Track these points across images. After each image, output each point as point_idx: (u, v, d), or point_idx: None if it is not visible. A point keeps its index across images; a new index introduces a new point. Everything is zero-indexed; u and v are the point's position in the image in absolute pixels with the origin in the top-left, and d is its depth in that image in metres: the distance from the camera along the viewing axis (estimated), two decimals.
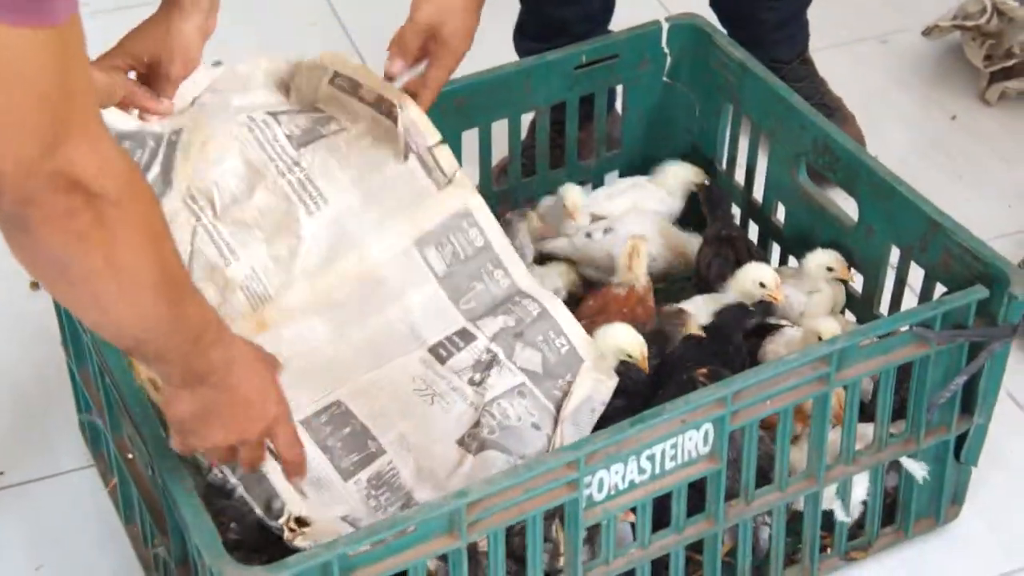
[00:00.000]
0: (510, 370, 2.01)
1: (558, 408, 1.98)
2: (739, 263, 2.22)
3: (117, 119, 1.98)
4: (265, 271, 2.05)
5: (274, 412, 1.64)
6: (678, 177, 2.37)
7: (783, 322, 2.16)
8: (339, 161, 2.09)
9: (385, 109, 2.07)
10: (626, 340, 2.03)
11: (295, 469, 1.72)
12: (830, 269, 2.16)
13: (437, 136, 2.08)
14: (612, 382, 1.99)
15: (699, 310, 2.16)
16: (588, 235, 2.32)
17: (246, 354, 1.61)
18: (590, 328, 2.08)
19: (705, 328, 2.10)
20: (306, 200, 2.06)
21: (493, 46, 2.40)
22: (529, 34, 2.62)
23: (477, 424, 1.96)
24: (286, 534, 1.73)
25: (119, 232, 1.30)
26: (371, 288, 2.09)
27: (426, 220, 2.11)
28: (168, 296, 1.41)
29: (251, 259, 2.04)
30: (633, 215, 2.33)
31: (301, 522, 1.74)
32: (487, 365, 2.01)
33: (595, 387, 1.99)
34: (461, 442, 1.95)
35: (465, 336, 2.06)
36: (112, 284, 1.34)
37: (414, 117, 2.05)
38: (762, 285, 2.12)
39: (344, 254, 2.08)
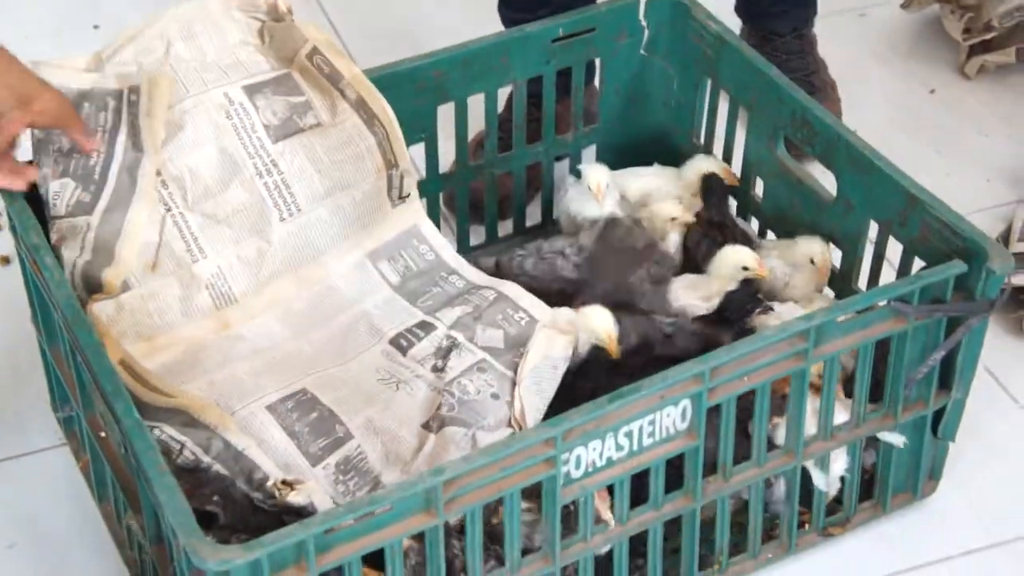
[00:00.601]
0: (470, 351, 2.03)
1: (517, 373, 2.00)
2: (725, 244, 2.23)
3: (71, 78, 2.00)
4: (231, 271, 2.07)
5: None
6: (699, 171, 2.36)
7: (771, 303, 2.16)
8: (317, 169, 2.11)
9: (366, 117, 2.10)
10: (598, 323, 2.05)
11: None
12: (812, 262, 2.17)
13: (407, 159, 2.12)
14: (568, 338, 2.00)
15: (684, 290, 2.17)
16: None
17: None
18: None
19: (711, 313, 2.10)
20: (281, 206, 2.08)
21: (477, 22, 2.41)
22: (513, 4, 2.62)
23: (439, 406, 1.96)
24: (278, 495, 1.74)
25: None
26: (327, 296, 2.13)
27: (380, 235, 2.16)
28: None
29: (218, 257, 2.07)
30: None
31: (289, 483, 1.75)
32: (447, 351, 2.03)
33: (550, 344, 2.00)
34: (426, 425, 1.96)
35: (425, 327, 2.09)
36: None
37: (398, 135, 2.10)
38: (745, 268, 2.12)
39: (305, 263, 2.12)
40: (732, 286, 2.12)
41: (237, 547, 1.59)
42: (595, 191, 2.25)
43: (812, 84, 2.64)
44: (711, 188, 2.31)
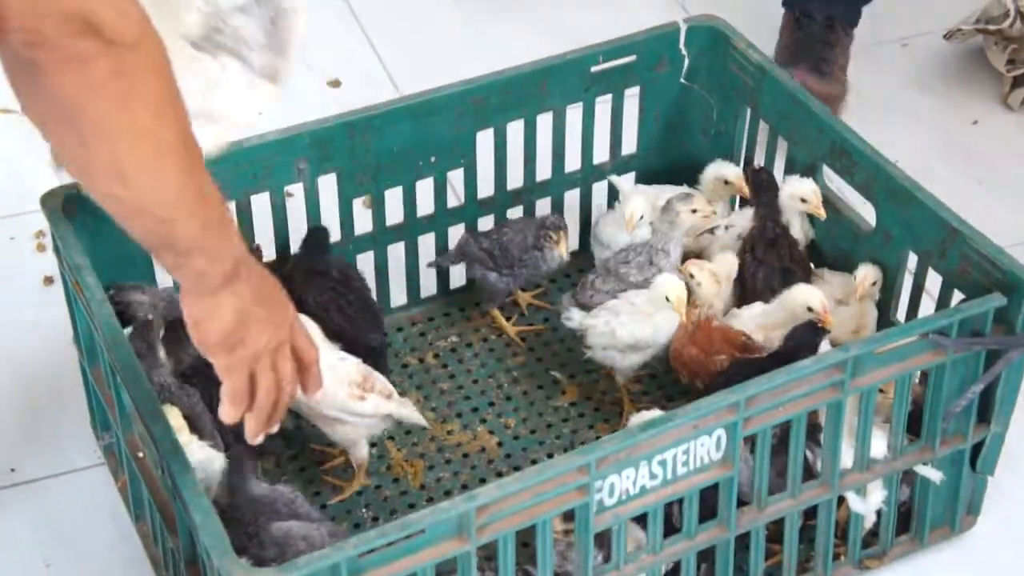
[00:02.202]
0: None
1: None
2: (784, 271, 2.20)
3: None
4: None
5: (292, 312, 1.63)
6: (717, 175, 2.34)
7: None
8: None
9: None
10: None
11: (311, 363, 1.69)
12: (803, 200, 2.18)
13: None
14: None
15: (749, 323, 2.16)
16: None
17: (256, 266, 1.60)
18: None
19: (776, 351, 2.07)
20: None
21: (512, 48, 2.42)
22: None
23: None
24: None
25: (138, 83, 1.26)
26: None
27: None
28: (188, 164, 1.36)
29: None
30: None
31: None
32: None
33: None
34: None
35: None
36: (129, 142, 1.29)
37: None
38: (809, 309, 2.08)
39: None
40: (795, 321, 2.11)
41: (271, 570, 1.60)
42: (628, 220, 2.24)
43: (821, 71, 2.67)
44: (761, 184, 2.28)
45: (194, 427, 1.93)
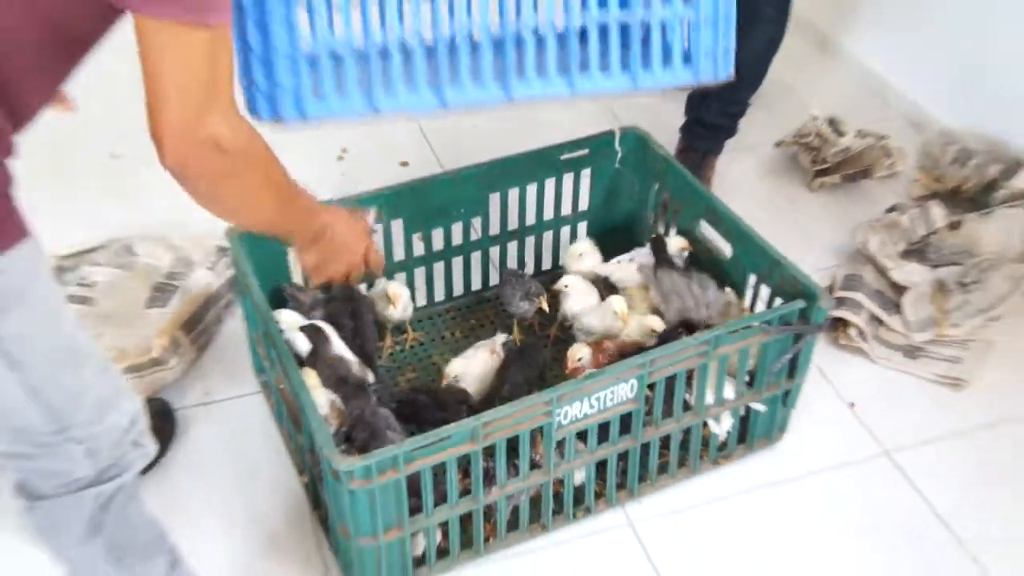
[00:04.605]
0: None
1: None
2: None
3: None
4: None
5: (364, 244, 1.67)
6: (675, 244, 2.26)
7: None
8: None
9: None
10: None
11: (379, 268, 1.75)
12: (680, 247, 2.17)
13: None
14: None
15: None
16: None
17: (338, 215, 1.61)
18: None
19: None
20: None
21: (511, 140, 2.44)
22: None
23: None
24: None
25: (245, 177, 1.24)
26: None
27: None
28: (281, 206, 1.37)
29: None
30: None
31: None
32: None
33: None
34: None
35: None
36: (245, 205, 1.30)
37: None
38: (615, 313, 2.09)
39: None
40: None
41: (356, 457, 1.64)
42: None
43: (700, 176, 2.59)
44: (658, 244, 2.25)
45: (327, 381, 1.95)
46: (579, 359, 2.03)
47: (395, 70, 1.68)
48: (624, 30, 1.78)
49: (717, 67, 1.81)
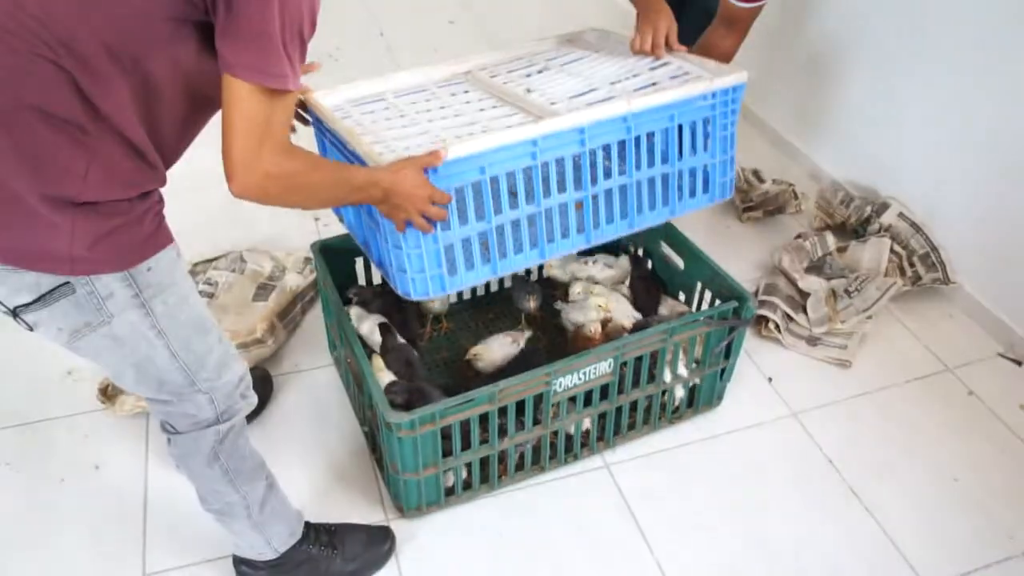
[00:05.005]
0: None
1: None
2: (649, 292, 2.11)
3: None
4: None
5: (427, 193, 1.37)
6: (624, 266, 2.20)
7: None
8: None
9: None
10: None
11: (446, 202, 1.42)
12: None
13: None
14: None
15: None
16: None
17: (400, 171, 1.35)
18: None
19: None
20: None
21: None
22: None
23: None
24: None
25: (298, 190, 1.14)
26: None
27: None
28: (336, 191, 1.25)
29: None
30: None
31: None
32: None
33: None
34: None
35: None
36: (305, 202, 1.19)
37: None
38: (599, 307, 2.01)
39: None
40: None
41: (404, 413, 1.58)
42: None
43: None
44: (637, 259, 2.21)
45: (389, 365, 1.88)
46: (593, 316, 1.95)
47: (475, 250, 1.54)
48: (664, 179, 1.67)
49: (725, 190, 1.73)
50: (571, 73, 1.73)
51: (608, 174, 1.60)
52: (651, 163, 1.62)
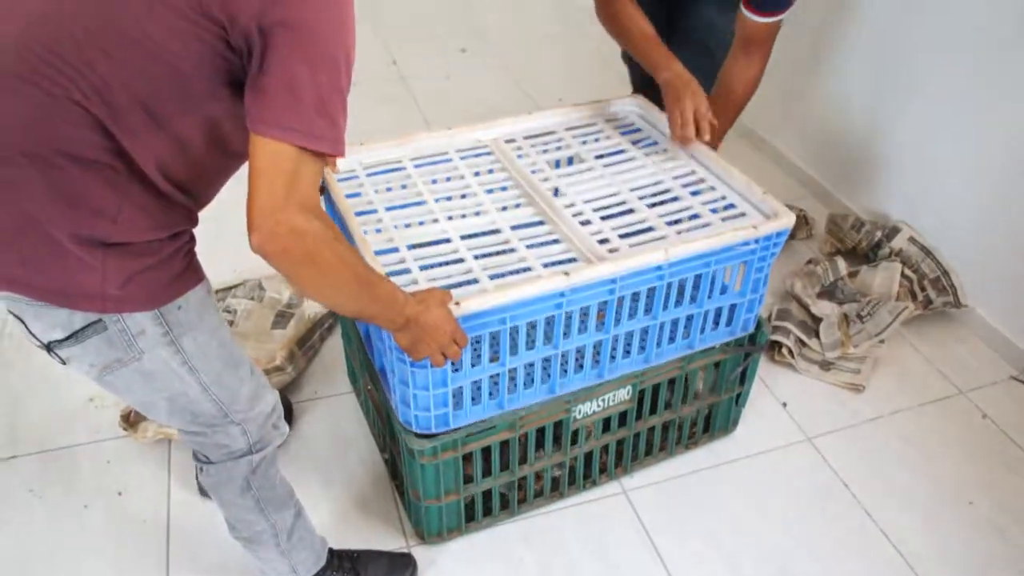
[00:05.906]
0: None
1: None
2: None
3: None
4: None
5: (451, 328, 1.31)
6: None
7: None
8: None
9: None
10: None
11: (464, 344, 1.35)
12: None
13: None
14: None
15: None
16: None
17: (427, 301, 1.29)
18: None
19: None
20: None
21: None
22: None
23: None
24: None
25: (321, 263, 1.05)
26: None
27: None
28: (359, 291, 1.13)
29: None
30: None
31: None
32: None
33: None
34: None
35: None
36: (325, 286, 1.08)
37: None
38: None
39: None
40: None
41: (426, 440, 1.56)
42: None
43: None
44: None
45: None
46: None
47: (484, 388, 1.57)
48: (689, 318, 1.70)
49: (748, 326, 1.75)
50: (600, 174, 1.68)
51: (632, 313, 1.59)
52: (679, 303, 1.59)
